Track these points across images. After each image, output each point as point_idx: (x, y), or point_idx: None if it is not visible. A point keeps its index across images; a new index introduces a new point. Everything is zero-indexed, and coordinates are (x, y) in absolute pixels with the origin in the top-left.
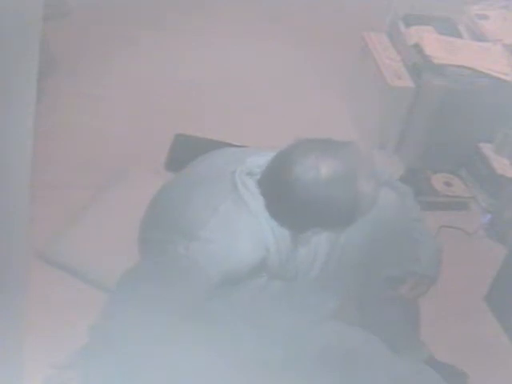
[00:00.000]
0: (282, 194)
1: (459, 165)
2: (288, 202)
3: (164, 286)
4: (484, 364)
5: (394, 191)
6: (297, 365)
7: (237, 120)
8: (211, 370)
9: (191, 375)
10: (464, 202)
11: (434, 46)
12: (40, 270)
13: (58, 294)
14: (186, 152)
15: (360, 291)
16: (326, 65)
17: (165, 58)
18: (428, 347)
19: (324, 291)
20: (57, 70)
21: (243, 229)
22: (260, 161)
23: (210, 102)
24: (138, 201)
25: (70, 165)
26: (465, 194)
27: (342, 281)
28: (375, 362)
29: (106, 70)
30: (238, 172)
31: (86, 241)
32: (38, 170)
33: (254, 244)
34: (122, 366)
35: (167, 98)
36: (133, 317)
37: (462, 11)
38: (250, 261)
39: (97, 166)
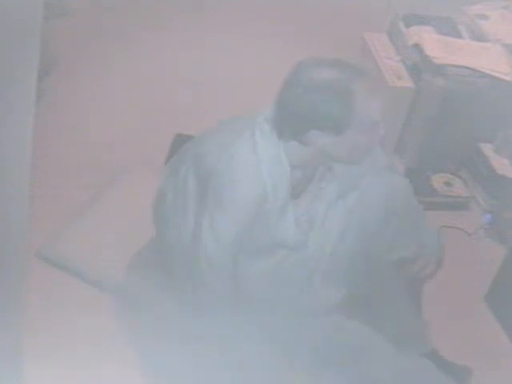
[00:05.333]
0: (287, 97)
1: (459, 165)
2: (291, 103)
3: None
4: (484, 364)
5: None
6: (299, 360)
7: None
8: (210, 367)
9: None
10: (464, 202)
11: (434, 45)
12: (40, 270)
13: (58, 294)
14: None
15: (369, 276)
16: None
17: (165, 57)
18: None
19: (333, 282)
20: (57, 70)
21: (244, 165)
22: None
23: (210, 101)
24: (138, 201)
25: (70, 165)
26: (465, 194)
27: (353, 267)
28: (377, 357)
29: (106, 70)
30: (259, 118)
31: (85, 241)
32: (38, 170)
33: (252, 180)
34: None
35: (167, 98)
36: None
37: (462, 11)
38: (250, 193)
39: (97, 166)
